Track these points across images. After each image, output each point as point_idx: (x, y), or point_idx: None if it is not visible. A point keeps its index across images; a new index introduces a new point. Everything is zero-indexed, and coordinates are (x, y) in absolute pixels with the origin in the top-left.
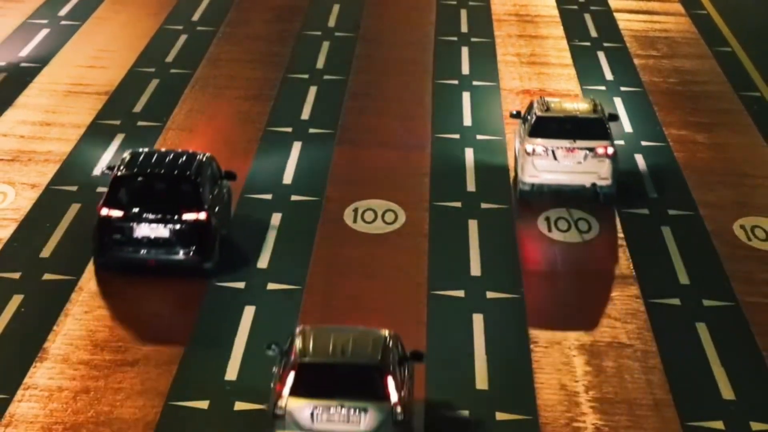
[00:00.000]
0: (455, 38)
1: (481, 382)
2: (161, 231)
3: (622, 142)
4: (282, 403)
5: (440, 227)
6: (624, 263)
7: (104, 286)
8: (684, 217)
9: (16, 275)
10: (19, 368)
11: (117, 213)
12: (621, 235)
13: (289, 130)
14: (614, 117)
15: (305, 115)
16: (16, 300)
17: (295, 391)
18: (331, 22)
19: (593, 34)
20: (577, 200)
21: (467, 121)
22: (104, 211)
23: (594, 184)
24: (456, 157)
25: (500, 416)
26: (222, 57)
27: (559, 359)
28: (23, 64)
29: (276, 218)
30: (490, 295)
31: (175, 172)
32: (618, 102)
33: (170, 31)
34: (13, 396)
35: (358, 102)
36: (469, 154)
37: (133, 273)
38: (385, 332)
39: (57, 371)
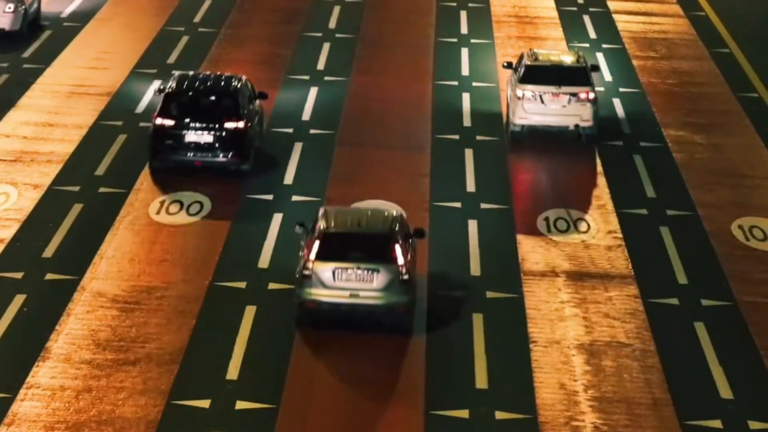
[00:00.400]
0: (455, 40)
1: (481, 381)
2: (206, 137)
3: (620, 143)
4: (309, 265)
5: (440, 227)
6: (623, 263)
7: (106, 287)
8: (682, 218)
9: (19, 275)
10: (21, 367)
11: (169, 122)
12: (620, 235)
13: (291, 130)
14: (596, 68)
15: (306, 116)
16: (19, 300)
17: (319, 256)
18: (332, 24)
19: (592, 35)
20: (577, 201)
21: (467, 121)
22: (159, 121)
23: (577, 126)
24: (456, 157)
25: (500, 415)
26: (223, 58)
27: (558, 358)
28: (26, 66)
29: (277, 218)
30: (489, 294)
31: (218, 88)
32: (617, 102)
33: (172, 33)
34: (15, 395)
35: (358, 103)
36: (469, 154)
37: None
38: (394, 211)
39: (59, 370)
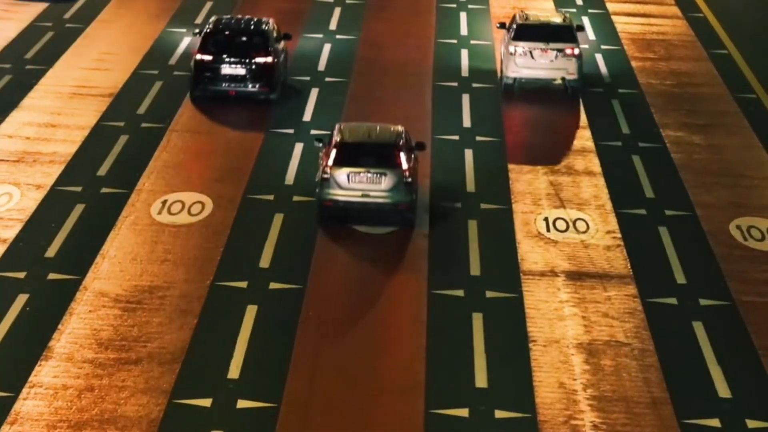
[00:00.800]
0: (455, 41)
1: (481, 380)
2: (239, 70)
3: (619, 143)
4: (327, 170)
5: (440, 227)
6: (622, 263)
7: (108, 286)
8: (681, 218)
9: (22, 275)
10: (24, 367)
11: (208, 58)
12: (619, 235)
13: (292, 131)
14: (581, 27)
15: (307, 116)
16: (22, 299)
17: (336, 162)
18: (332, 25)
19: (591, 36)
20: (574, 200)
21: (467, 122)
22: (199, 57)
23: (563, 78)
24: (456, 158)
25: (499, 414)
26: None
27: (558, 358)
28: (28, 67)
29: (278, 218)
30: (489, 294)
31: (249, 29)
32: (615, 104)
33: (174, 34)
34: (18, 394)
35: (359, 104)
36: (469, 155)
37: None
38: (399, 127)
39: (62, 369)
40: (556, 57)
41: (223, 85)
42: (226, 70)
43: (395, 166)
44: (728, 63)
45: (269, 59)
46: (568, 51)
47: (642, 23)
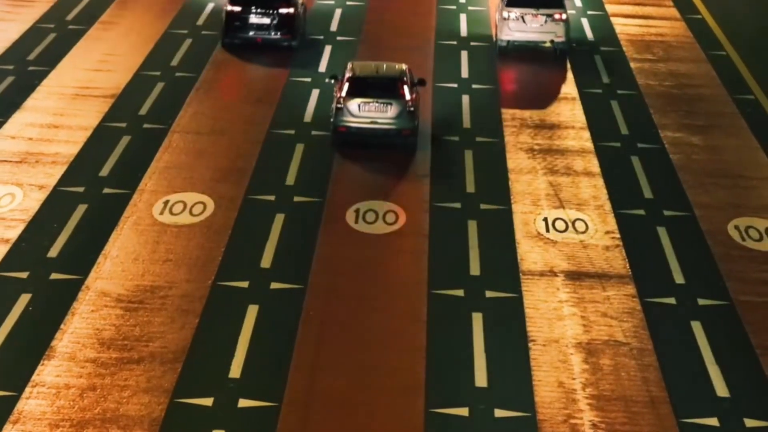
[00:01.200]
0: (455, 42)
1: (480, 379)
2: (265, 20)
3: (618, 144)
4: (341, 101)
5: (440, 228)
6: (620, 263)
7: (110, 286)
8: (679, 218)
9: (24, 275)
10: (27, 366)
11: (237, 8)
12: (618, 235)
13: (293, 132)
14: None
15: (308, 117)
16: (24, 299)
17: (348, 94)
18: (333, 27)
19: (590, 38)
20: (574, 200)
21: (466, 123)
22: (229, 8)
23: (552, 41)
24: (456, 159)
25: (499, 413)
26: (226, 61)
27: (557, 357)
28: (31, 68)
29: (279, 218)
30: (489, 294)
31: None
32: (615, 105)
33: (175, 35)
34: (21, 393)
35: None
36: (469, 155)
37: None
38: (403, 65)
39: (64, 369)
40: (546, 21)
41: (250, 33)
42: (253, 19)
43: (400, 97)
44: (727, 64)
45: (291, 10)
46: (557, 16)
47: (641, 25)
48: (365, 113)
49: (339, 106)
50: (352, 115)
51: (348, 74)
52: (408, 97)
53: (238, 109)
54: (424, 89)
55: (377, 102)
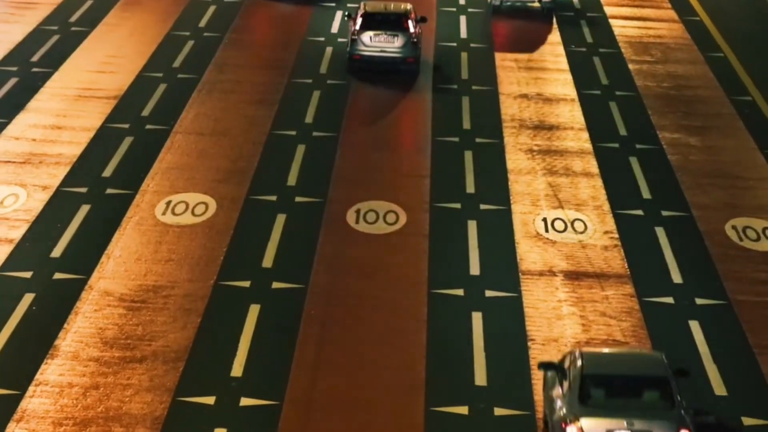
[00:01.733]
0: (455, 44)
1: (480, 378)
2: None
3: (617, 145)
4: (356, 33)
5: (440, 227)
6: (619, 263)
7: (113, 286)
8: (677, 218)
9: (28, 274)
10: (30, 365)
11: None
12: (616, 235)
13: (294, 133)
14: None
15: (309, 118)
16: (28, 298)
17: (361, 28)
18: (334, 29)
19: (589, 39)
20: (572, 201)
21: (466, 124)
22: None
23: (540, 1)
24: (455, 160)
25: (498, 412)
26: (228, 62)
27: (556, 356)
28: (35, 69)
29: (280, 219)
30: (488, 293)
31: None
32: (613, 106)
33: (178, 37)
34: (24, 392)
35: (360, 105)
36: (468, 156)
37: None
38: (408, 5)
39: (67, 368)
40: None
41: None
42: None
43: (405, 30)
44: (724, 66)
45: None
46: None
47: (639, 26)
48: (376, 43)
49: (354, 37)
50: (365, 45)
51: (361, 11)
52: (412, 30)
53: (240, 111)
54: (425, 25)
55: (386, 34)
